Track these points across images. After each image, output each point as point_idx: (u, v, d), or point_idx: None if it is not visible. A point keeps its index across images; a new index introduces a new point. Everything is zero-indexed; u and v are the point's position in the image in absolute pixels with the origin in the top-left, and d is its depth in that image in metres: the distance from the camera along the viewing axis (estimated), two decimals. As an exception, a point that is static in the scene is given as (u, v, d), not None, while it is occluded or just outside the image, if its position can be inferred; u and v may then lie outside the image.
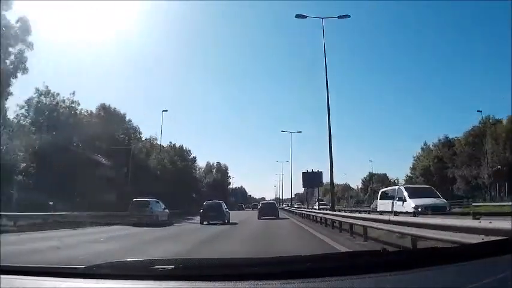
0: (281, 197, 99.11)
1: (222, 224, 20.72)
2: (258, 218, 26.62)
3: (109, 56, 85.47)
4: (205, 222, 21.21)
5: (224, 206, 23.78)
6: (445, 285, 1.51)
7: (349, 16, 21.34)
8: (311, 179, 41.03)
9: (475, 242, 3.97)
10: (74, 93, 34.90)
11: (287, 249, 9.32)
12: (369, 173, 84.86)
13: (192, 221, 25.19)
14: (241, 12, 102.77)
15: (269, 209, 28.95)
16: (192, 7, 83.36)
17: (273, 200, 63.76)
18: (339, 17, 20.87)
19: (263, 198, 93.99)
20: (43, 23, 49.92)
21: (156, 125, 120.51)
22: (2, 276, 1.71)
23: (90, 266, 1.74)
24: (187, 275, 1.65)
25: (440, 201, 15.65)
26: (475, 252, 1.85)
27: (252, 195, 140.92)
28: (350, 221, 11.71)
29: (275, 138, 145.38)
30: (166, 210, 24.29)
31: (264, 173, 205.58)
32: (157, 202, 23.64)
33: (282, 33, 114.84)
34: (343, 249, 8.20)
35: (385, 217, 8.70)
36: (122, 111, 41.95)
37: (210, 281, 1.57)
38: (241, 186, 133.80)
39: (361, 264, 1.69)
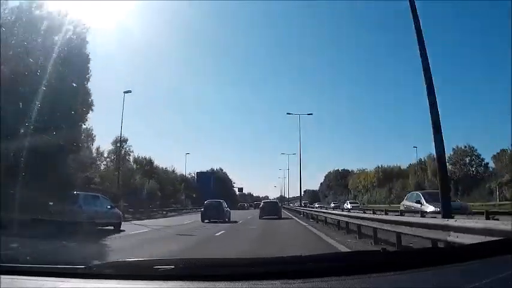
0: (287, 196, 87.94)
1: (222, 222, 21.60)
2: (260, 218, 26.19)
3: (109, 50, 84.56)
4: (206, 221, 22.20)
5: (224, 204, 24.57)
6: (445, 285, 1.51)
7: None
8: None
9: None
10: None
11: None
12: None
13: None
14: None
15: (271, 209, 27.80)
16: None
17: (275, 198, 62.17)
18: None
19: (266, 197, 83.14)
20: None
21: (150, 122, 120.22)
22: (2, 276, 1.71)
23: (90, 266, 1.74)
24: (188, 275, 1.65)
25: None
26: (475, 252, 1.85)
27: (255, 194, 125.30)
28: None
29: (279, 137, 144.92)
30: (115, 210, 17.52)
31: (268, 172, 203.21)
32: (96, 197, 16.85)
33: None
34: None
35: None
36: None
37: (210, 281, 1.57)
38: (221, 169, 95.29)
39: (361, 264, 1.69)
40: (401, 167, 70.47)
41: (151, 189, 43.76)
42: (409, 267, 1.62)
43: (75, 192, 16.01)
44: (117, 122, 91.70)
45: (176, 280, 1.61)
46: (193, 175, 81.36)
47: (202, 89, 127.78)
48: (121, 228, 16.35)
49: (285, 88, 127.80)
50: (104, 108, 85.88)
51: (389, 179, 68.81)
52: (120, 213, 18.10)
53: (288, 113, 46.08)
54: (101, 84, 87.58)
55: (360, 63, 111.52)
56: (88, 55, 19.55)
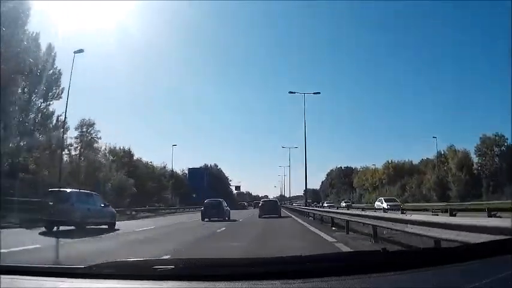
0: (287, 195, 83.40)
1: (223, 220, 22.25)
2: (259, 217, 26.22)
3: (108, 50, 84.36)
4: (206, 219, 22.66)
5: (224, 204, 25.24)
6: (445, 285, 1.51)
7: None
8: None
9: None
10: None
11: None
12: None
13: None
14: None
15: (271, 208, 27.90)
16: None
17: (275, 198, 61.43)
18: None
19: (266, 196, 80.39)
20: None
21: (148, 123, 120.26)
22: (2, 276, 1.71)
23: (90, 266, 1.74)
24: (187, 275, 1.65)
25: None
26: (475, 252, 1.85)
27: (254, 194, 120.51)
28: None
29: (278, 137, 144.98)
30: (110, 209, 16.68)
31: (267, 172, 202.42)
32: (90, 195, 16.14)
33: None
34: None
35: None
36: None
37: (210, 281, 1.57)
38: (216, 166, 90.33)
39: (361, 264, 1.69)
40: (413, 162, 65.08)
41: (121, 184, 36.84)
42: (409, 267, 1.62)
43: (67, 190, 15.21)
44: (115, 119, 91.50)
45: (176, 280, 1.61)
46: (186, 172, 76.26)
47: (201, 88, 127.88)
48: (116, 228, 15.70)
49: (285, 87, 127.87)
50: (102, 106, 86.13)
51: (400, 175, 62.91)
52: (115, 211, 17.34)
53: (290, 92, 37.91)
54: (101, 83, 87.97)
55: (360, 62, 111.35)
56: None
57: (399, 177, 62.92)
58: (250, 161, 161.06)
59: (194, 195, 61.11)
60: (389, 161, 69.76)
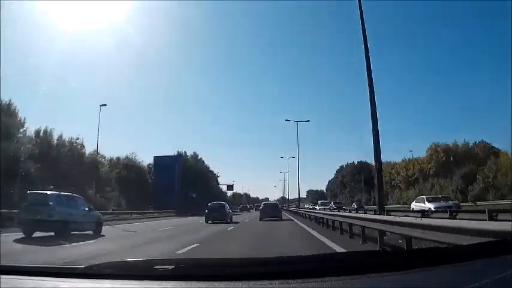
0: (291, 197, 79.66)
1: (225, 222, 23.33)
2: (260, 220, 26.35)
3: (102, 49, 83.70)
4: (209, 221, 23.73)
5: (227, 206, 26.63)
6: (445, 285, 1.51)
7: None
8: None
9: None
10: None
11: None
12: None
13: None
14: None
15: (271, 210, 28.12)
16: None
17: (276, 200, 60.95)
18: None
19: (267, 199, 78.18)
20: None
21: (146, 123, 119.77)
22: (2, 276, 1.71)
23: (90, 266, 1.75)
24: (187, 275, 1.65)
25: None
26: (475, 252, 1.85)
27: (253, 195, 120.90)
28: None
29: (279, 137, 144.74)
30: (95, 213, 15.79)
31: (268, 174, 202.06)
32: (72, 198, 14.90)
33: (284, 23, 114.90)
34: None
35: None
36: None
37: (210, 281, 1.57)
38: (196, 155, 70.76)
39: (361, 264, 1.70)
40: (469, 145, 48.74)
41: None
42: (409, 267, 1.62)
43: (47, 192, 14.09)
44: (115, 120, 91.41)
45: (176, 280, 1.61)
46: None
47: (200, 88, 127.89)
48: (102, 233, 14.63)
49: (284, 86, 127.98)
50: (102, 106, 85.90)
51: (454, 163, 45.64)
52: (101, 215, 16.19)
53: None
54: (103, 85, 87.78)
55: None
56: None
57: (453, 166, 45.66)
58: (248, 162, 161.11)
59: (194, 195, 52.62)
60: (436, 144, 50.90)
